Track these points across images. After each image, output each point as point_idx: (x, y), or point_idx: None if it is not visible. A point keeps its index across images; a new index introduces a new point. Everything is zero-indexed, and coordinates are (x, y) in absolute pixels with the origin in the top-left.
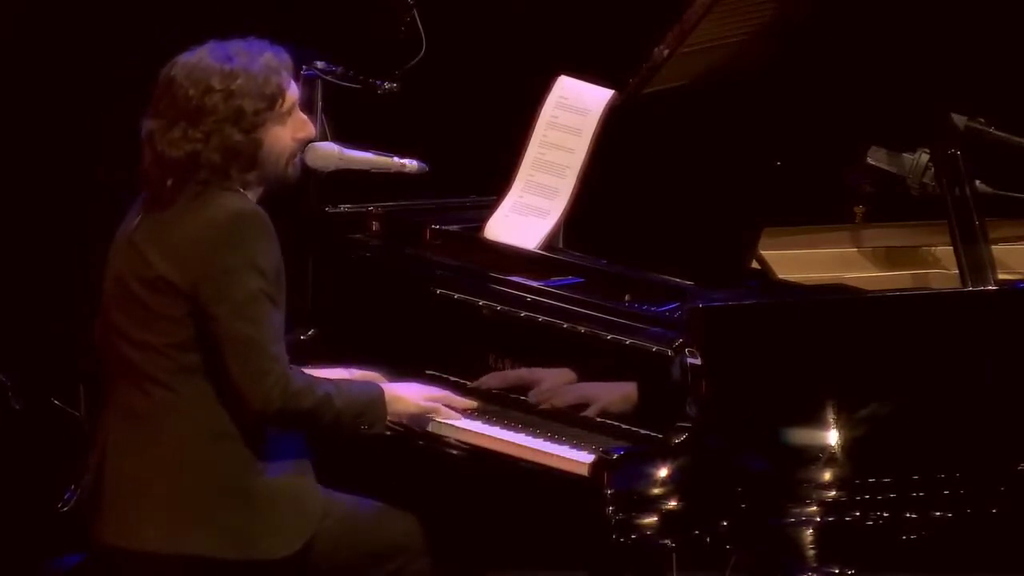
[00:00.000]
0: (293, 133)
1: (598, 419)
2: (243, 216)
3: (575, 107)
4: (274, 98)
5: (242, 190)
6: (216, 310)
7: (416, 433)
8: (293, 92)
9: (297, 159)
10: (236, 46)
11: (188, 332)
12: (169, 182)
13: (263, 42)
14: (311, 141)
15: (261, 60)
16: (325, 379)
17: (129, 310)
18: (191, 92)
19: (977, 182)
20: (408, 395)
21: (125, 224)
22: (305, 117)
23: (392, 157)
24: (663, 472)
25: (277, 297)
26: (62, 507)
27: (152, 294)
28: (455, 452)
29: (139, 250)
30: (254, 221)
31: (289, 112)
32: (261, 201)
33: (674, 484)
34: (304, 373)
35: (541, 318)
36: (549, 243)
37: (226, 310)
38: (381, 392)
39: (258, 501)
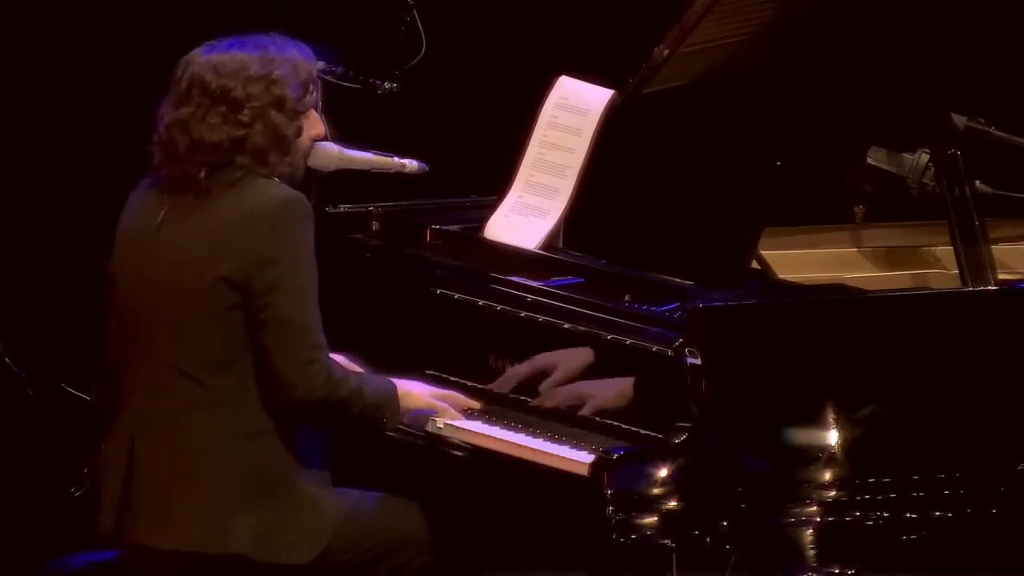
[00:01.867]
0: (309, 130)
1: (598, 419)
2: (293, 203)
3: (575, 107)
4: (307, 86)
5: (276, 179)
6: (270, 297)
7: (417, 433)
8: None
9: (305, 159)
10: (265, 38)
11: (227, 326)
12: (203, 171)
13: (287, 38)
14: (320, 140)
15: (292, 51)
16: (351, 371)
17: (158, 307)
18: (229, 83)
19: (977, 182)
20: (416, 391)
21: (136, 215)
22: (319, 117)
23: (392, 157)
24: (663, 472)
25: (317, 286)
26: (75, 491)
27: (197, 291)
28: (455, 452)
29: (178, 247)
30: (303, 208)
31: (312, 109)
32: None
33: (674, 484)
34: (341, 367)
35: (541, 318)
36: (549, 243)
37: (280, 297)
38: (395, 387)
39: (285, 503)
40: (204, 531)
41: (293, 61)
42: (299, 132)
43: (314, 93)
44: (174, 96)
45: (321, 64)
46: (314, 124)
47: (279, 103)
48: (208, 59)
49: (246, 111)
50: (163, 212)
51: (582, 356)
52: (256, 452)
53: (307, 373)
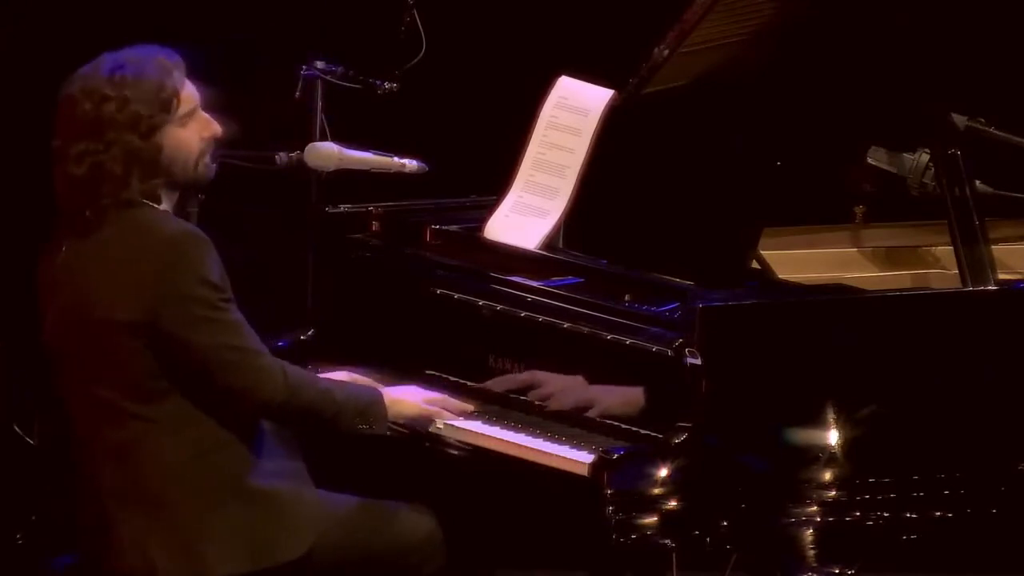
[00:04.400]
0: (199, 134)
1: (598, 419)
2: (178, 239)
3: (575, 107)
4: (168, 101)
5: (153, 204)
6: (186, 335)
7: (416, 434)
8: (190, 92)
9: (208, 158)
10: (127, 54)
11: (146, 362)
12: (83, 202)
13: (153, 46)
14: (219, 138)
15: (152, 64)
16: (322, 377)
17: (83, 353)
18: (87, 106)
19: (977, 182)
20: (407, 398)
21: (46, 260)
22: (208, 117)
23: (392, 157)
24: (663, 472)
25: (231, 297)
26: (19, 539)
27: (106, 334)
28: (455, 452)
29: (78, 291)
30: (190, 240)
31: (190, 114)
32: (180, 202)
33: (674, 484)
34: (298, 368)
35: (541, 318)
36: (549, 243)
37: (197, 333)
38: (381, 394)
39: (260, 507)
40: (183, 563)
41: (147, 77)
42: (159, 149)
43: (184, 103)
44: (56, 120)
45: (321, 64)
46: (204, 126)
47: (133, 123)
48: (80, 78)
49: (104, 137)
50: (62, 254)
51: (582, 356)
52: (214, 467)
53: (260, 377)
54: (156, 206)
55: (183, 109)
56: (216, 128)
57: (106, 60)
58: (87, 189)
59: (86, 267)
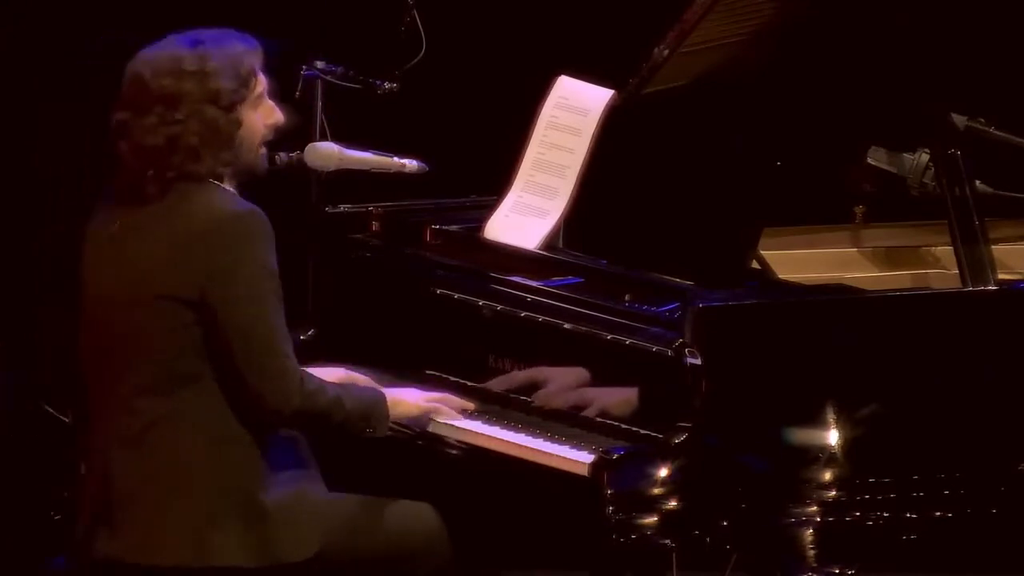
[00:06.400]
0: (264, 119)
1: (598, 419)
2: (244, 218)
3: (575, 107)
4: (248, 79)
5: (218, 183)
6: (229, 312)
7: (416, 433)
8: (262, 76)
9: (264, 149)
10: (204, 32)
11: (187, 340)
12: (149, 173)
13: (230, 29)
14: (280, 127)
15: (232, 43)
16: (331, 382)
17: (118, 323)
18: (164, 81)
19: (977, 182)
20: (407, 398)
21: (96, 227)
22: (273, 104)
23: (392, 157)
24: (663, 472)
25: (281, 295)
26: (56, 516)
27: (153, 308)
28: (455, 452)
29: (131, 263)
30: (256, 220)
31: (260, 97)
32: (246, 195)
33: (674, 484)
34: (312, 374)
35: (541, 318)
36: (549, 243)
37: (239, 311)
38: (383, 395)
39: (271, 505)
40: (189, 545)
41: (229, 53)
42: (238, 124)
43: (259, 85)
44: (121, 96)
45: (321, 64)
46: (269, 113)
47: (214, 97)
48: (145, 59)
49: (181, 109)
50: (116, 226)
51: (582, 356)
52: (229, 458)
53: (278, 385)
54: (221, 184)
55: (257, 90)
56: (279, 116)
57: (181, 38)
58: (158, 160)
59: (143, 240)
